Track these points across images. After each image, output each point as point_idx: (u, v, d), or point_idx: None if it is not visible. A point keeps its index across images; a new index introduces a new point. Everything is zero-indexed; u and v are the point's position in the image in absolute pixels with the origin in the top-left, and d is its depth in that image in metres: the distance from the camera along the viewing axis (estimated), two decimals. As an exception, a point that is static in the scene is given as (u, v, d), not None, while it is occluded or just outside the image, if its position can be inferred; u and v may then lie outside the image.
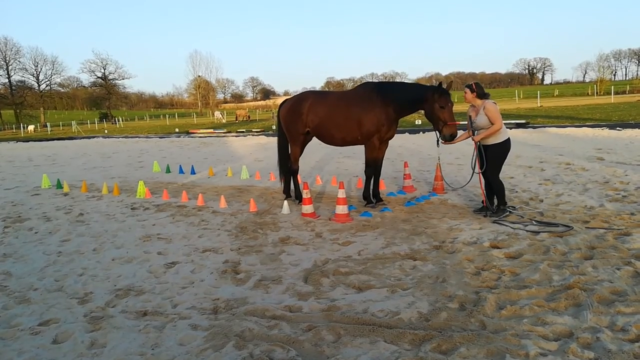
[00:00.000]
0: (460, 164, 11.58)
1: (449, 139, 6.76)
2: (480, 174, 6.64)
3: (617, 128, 18.36)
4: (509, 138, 6.47)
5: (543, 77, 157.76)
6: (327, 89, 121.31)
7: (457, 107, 8.70)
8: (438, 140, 7.11)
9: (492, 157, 6.44)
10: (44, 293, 4.56)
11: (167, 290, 4.48)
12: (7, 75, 75.07)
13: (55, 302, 4.32)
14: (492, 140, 6.42)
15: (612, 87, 57.21)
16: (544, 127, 21.51)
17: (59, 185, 11.09)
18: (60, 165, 16.93)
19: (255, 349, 3.28)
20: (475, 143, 6.56)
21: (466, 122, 6.71)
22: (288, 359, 3.13)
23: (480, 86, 6.57)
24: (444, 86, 6.74)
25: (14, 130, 60.50)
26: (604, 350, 3.00)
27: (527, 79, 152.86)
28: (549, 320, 3.45)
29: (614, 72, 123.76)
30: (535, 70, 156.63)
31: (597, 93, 63.37)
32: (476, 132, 6.57)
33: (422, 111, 7.28)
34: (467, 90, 6.52)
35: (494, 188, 6.57)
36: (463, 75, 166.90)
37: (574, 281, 4.09)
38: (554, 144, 15.03)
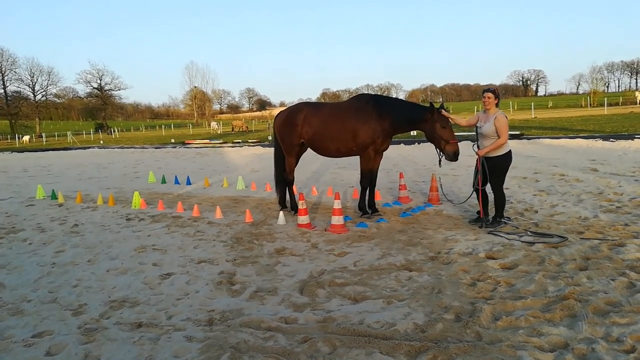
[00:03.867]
0: (455, 175, 11.62)
1: (453, 157, 6.73)
2: (476, 184, 6.66)
3: (611, 139, 18.50)
4: (510, 150, 6.47)
5: (537, 88, 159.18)
6: (322, 100, 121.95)
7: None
8: (440, 161, 7.10)
9: (495, 169, 6.42)
10: (38, 304, 4.53)
11: (162, 302, 4.46)
12: (2, 86, 75.18)
13: (49, 313, 4.29)
14: (495, 152, 6.38)
15: (605, 98, 57.66)
16: (538, 138, 21.65)
17: (54, 196, 11.05)
18: (55, 176, 16.87)
19: (250, 360, 3.26)
20: (479, 158, 6.55)
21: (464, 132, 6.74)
22: (283, 371, 3.11)
23: (498, 94, 6.54)
24: (437, 106, 6.81)
25: (9, 141, 60.37)
26: (599, 361, 3.01)
27: (521, 91, 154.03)
28: (545, 331, 3.45)
29: (607, 84, 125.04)
30: (529, 82, 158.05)
31: (590, 105, 63.96)
32: (479, 144, 6.54)
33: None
34: (492, 94, 6.40)
35: (496, 200, 6.54)
36: (458, 87, 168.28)
37: (569, 292, 4.10)
38: (548, 155, 15.13)
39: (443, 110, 6.81)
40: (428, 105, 6.91)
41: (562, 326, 3.53)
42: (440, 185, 8.20)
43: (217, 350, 3.43)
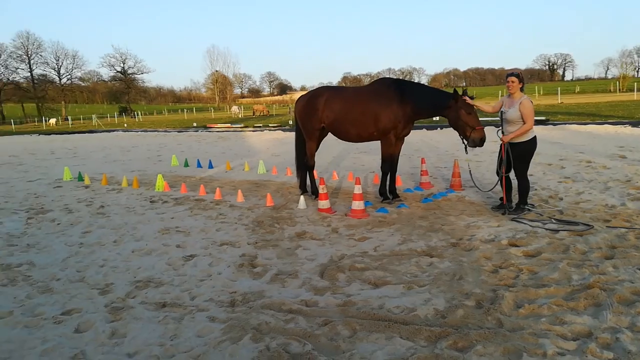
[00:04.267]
0: (479, 161, 11.47)
1: (480, 143, 6.63)
2: (500, 172, 6.56)
3: (641, 125, 17.97)
4: (535, 136, 6.33)
5: (564, 73, 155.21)
6: (343, 84, 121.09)
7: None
8: (466, 147, 6.98)
9: (520, 155, 6.30)
10: (66, 283, 4.67)
11: (185, 283, 4.55)
12: (29, 69, 76.55)
13: (77, 292, 4.42)
14: (520, 138, 6.26)
15: (635, 83, 55.85)
16: (565, 124, 21.14)
17: (80, 178, 11.30)
18: (81, 158, 17.23)
19: (271, 342, 3.31)
20: (503, 144, 6.43)
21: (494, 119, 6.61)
22: (304, 353, 3.16)
23: (523, 78, 6.39)
24: (461, 93, 6.67)
25: (36, 123, 61.70)
26: (624, 351, 2.97)
27: (547, 75, 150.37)
28: (568, 320, 3.41)
29: (637, 69, 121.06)
30: (555, 67, 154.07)
31: (619, 90, 62.08)
32: (504, 130, 6.43)
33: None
34: (516, 79, 6.24)
35: (520, 186, 6.44)
36: (482, 71, 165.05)
37: (593, 281, 4.04)
38: (574, 141, 14.78)
39: (467, 97, 6.68)
40: (452, 91, 6.79)
41: (586, 315, 3.48)
42: (470, 171, 8.08)
43: (239, 331, 3.49)
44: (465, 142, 6.86)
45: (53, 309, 4.06)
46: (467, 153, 7.33)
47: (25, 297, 4.34)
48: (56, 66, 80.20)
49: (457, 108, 6.68)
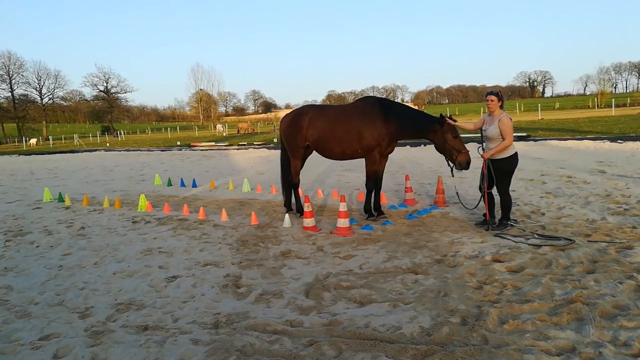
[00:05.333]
0: (462, 177, 11.59)
1: (466, 166, 6.74)
2: (483, 188, 6.64)
3: (619, 141, 18.39)
4: (516, 152, 6.45)
5: (544, 90, 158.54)
6: (328, 102, 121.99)
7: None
8: (452, 170, 7.05)
9: (502, 171, 6.39)
10: (45, 307, 4.55)
11: (168, 305, 4.47)
12: (10, 89, 75.56)
13: (56, 316, 4.31)
14: (501, 155, 6.37)
15: (613, 99, 57.31)
16: (545, 139, 21.55)
17: (61, 199, 11.11)
18: (62, 179, 16.98)
19: (256, 364, 3.26)
20: (484, 161, 6.51)
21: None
22: (289, 375, 3.11)
23: (502, 96, 6.51)
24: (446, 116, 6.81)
25: (16, 144, 60.78)
26: (607, 365, 2.98)
27: (527, 92, 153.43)
28: (552, 335, 3.43)
29: (614, 85, 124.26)
30: (535, 83, 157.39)
31: (598, 106, 63.58)
32: (484, 147, 6.52)
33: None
34: (495, 97, 6.37)
35: (502, 202, 6.52)
36: (464, 88, 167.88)
37: (576, 295, 4.07)
38: (555, 156, 15.05)
39: (449, 120, 6.81)
40: (430, 110, 6.90)
41: (570, 330, 3.50)
42: (457, 193, 7.83)
43: (223, 354, 3.43)
44: (452, 165, 6.94)
45: (31, 334, 3.94)
46: (453, 176, 7.38)
47: (2, 322, 4.22)
48: (38, 86, 79.41)
49: (443, 132, 6.79)
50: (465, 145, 6.86)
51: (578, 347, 3.25)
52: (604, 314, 3.72)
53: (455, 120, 6.90)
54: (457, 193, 7.88)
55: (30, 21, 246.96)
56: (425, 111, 7.36)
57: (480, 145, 6.69)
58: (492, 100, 6.39)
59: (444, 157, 7.05)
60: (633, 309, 3.76)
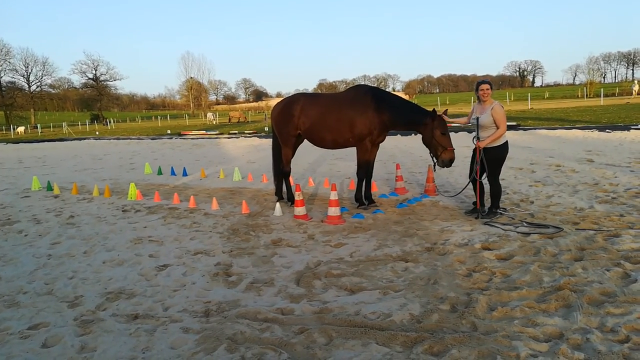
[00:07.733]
0: (454, 165, 11.61)
1: (449, 164, 6.79)
2: (474, 176, 6.66)
3: (607, 130, 18.54)
4: (507, 141, 6.49)
5: (534, 79, 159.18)
6: (319, 91, 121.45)
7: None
8: (435, 165, 7.10)
9: (492, 160, 6.43)
10: (34, 296, 4.52)
11: (158, 293, 4.46)
12: (-4, 77, 74.36)
13: (45, 305, 4.28)
14: (492, 144, 6.40)
15: (602, 89, 57.65)
16: (535, 129, 21.66)
17: (49, 187, 11.00)
18: (51, 167, 16.79)
19: (247, 352, 3.27)
20: (478, 150, 6.53)
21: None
22: (280, 362, 3.12)
23: (492, 85, 6.55)
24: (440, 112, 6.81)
25: (4, 132, 59.91)
26: (594, 351, 3.03)
27: (517, 81, 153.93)
28: (540, 322, 3.47)
29: (603, 75, 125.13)
30: (525, 73, 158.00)
31: (586, 95, 63.89)
32: (479, 136, 6.53)
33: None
34: (488, 86, 6.41)
35: (492, 191, 6.57)
36: (454, 77, 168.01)
37: (564, 282, 4.12)
38: (544, 146, 15.14)
39: (444, 116, 6.83)
40: (424, 105, 6.90)
41: (557, 316, 3.55)
42: (435, 185, 8.07)
43: (213, 342, 3.43)
44: (435, 160, 6.98)
45: (19, 324, 3.92)
46: (434, 170, 7.47)
47: (-10, 312, 4.18)
48: (25, 73, 78.26)
49: (432, 127, 6.79)
50: (458, 134, 6.87)
51: (566, 333, 3.29)
52: (591, 301, 3.77)
53: (449, 117, 6.96)
54: (431, 167, 7.98)
55: (18, 8, 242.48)
56: (415, 101, 7.36)
57: (474, 134, 6.71)
58: (487, 89, 6.41)
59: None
60: (620, 295, 3.82)
